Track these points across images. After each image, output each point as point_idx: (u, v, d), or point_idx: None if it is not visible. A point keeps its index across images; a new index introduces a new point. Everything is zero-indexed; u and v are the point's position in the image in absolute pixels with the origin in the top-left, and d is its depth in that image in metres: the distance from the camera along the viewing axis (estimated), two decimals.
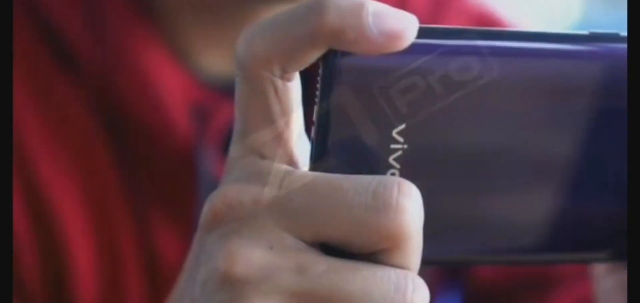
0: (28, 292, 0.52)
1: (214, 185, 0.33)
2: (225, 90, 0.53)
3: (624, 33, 0.33)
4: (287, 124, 0.31)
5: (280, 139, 0.31)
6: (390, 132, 0.30)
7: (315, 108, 0.30)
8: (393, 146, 0.30)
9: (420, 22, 0.31)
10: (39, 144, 0.52)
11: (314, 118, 0.30)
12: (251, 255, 0.29)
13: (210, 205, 0.30)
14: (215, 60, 0.55)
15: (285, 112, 0.31)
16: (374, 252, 0.29)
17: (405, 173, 0.30)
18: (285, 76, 0.30)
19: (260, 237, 0.29)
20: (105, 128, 0.54)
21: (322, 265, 0.29)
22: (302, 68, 0.30)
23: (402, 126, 0.30)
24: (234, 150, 0.31)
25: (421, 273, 0.31)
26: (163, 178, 0.54)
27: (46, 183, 0.52)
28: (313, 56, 0.29)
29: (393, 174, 0.31)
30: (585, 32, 0.32)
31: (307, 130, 0.31)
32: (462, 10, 0.61)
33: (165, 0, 0.54)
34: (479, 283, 0.62)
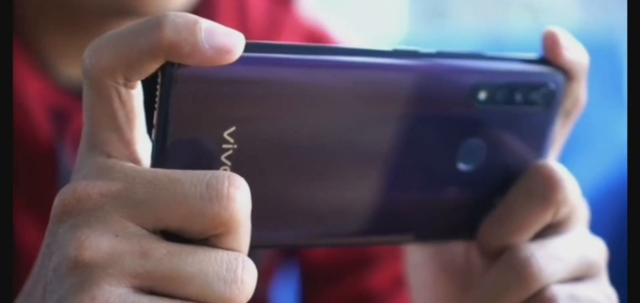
0: None
1: None
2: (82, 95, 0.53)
3: (423, 49, 0.34)
4: (130, 126, 0.31)
5: (124, 140, 0.31)
6: (222, 134, 0.31)
7: (155, 113, 0.30)
8: (224, 146, 0.31)
9: (258, 37, 0.31)
10: None
11: (154, 121, 0.30)
12: (99, 242, 0.29)
13: (61, 198, 0.30)
14: (73, 68, 0.54)
15: (129, 116, 0.30)
16: (209, 237, 0.30)
17: (236, 169, 0.31)
18: (128, 84, 0.30)
19: (107, 226, 0.29)
20: None
21: (163, 250, 0.29)
22: (143, 77, 0.30)
23: (232, 128, 0.31)
24: (82, 149, 0.31)
25: (259, 255, 0.31)
26: (26, 175, 0.53)
27: None
28: (153, 67, 0.29)
29: (225, 170, 0.31)
30: (390, 48, 0.33)
31: (150, 131, 0.31)
32: (295, 27, 0.62)
33: (26, 14, 0.53)
34: (311, 263, 0.63)
